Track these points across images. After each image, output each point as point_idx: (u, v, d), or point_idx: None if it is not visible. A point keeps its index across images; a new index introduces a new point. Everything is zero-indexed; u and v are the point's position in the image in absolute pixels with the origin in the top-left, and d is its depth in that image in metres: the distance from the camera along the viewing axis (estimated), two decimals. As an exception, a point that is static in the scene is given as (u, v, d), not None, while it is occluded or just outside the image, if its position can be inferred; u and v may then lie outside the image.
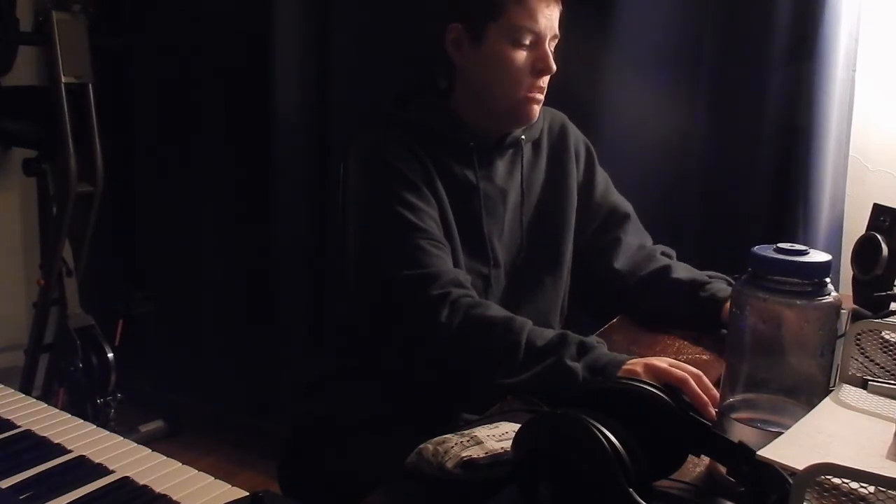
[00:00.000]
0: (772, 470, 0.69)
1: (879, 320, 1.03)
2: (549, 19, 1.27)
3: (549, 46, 1.28)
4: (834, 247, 1.66)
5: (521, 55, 1.26)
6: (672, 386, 0.98)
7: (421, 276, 1.17)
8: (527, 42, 1.26)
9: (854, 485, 0.60)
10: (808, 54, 1.60)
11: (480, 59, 1.28)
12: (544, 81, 1.29)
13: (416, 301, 1.16)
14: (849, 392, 0.86)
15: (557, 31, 1.29)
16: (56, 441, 0.77)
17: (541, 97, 1.30)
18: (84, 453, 0.75)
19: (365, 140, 1.33)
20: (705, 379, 1.00)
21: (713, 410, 0.94)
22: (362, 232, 1.30)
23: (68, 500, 0.67)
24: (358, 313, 1.39)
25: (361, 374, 1.33)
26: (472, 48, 1.29)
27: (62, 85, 2.12)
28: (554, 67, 1.28)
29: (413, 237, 1.21)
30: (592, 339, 1.11)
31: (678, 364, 1.02)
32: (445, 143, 1.30)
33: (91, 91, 2.21)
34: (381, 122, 1.35)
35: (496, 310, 1.16)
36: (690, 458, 0.78)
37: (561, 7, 1.29)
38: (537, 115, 1.32)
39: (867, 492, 0.60)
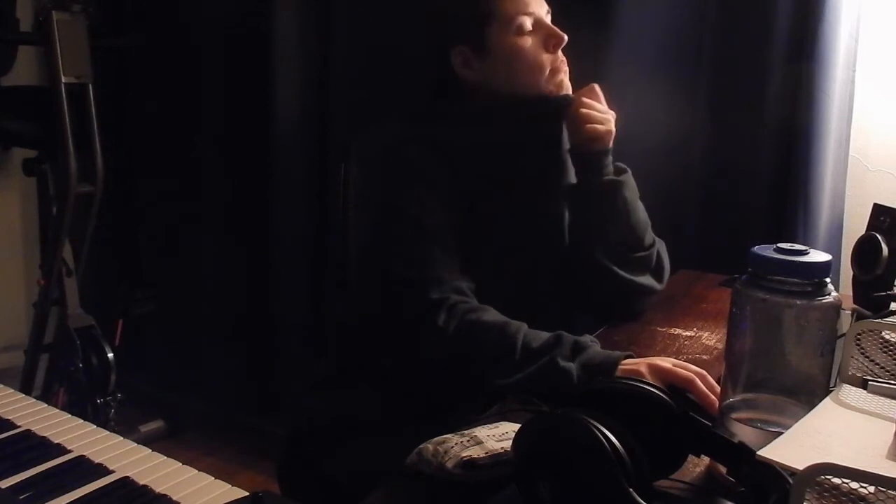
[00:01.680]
0: (772, 470, 0.69)
1: (879, 320, 1.03)
2: None
3: (548, 19, 1.29)
4: (834, 247, 1.66)
5: (529, 40, 1.27)
6: (677, 386, 0.98)
7: (423, 279, 1.17)
8: (529, 27, 1.26)
9: (854, 485, 0.60)
10: (808, 54, 1.60)
11: (495, 64, 1.27)
12: (560, 53, 1.29)
13: (414, 303, 1.16)
14: (849, 392, 0.86)
15: (546, 4, 1.30)
16: (56, 441, 0.77)
17: (565, 67, 1.30)
18: (84, 453, 0.75)
19: (380, 140, 1.32)
20: (710, 378, 0.99)
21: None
22: (369, 230, 1.29)
23: (68, 500, 0.67)
24: (358, 313, 1.38)
25: (361, 374, 1.33)
26: (482, 60, 1.28)
27: (62, 85, 2.12)
28: (564, 36, 1.28)
29: (420, 239, 1.20)
30: (587, 338, 1.11)
31: (682, 364, 1.02)
32: (464, 146, 1.29)
33: (91, 91, 2.21)
34: (395, 122, 1.35)
35: (493, 314, 1.15)
36: (690, 458, 0.78)
37: None
38: (568, 84, 1.31)
39: (867, 492, 0.59)
